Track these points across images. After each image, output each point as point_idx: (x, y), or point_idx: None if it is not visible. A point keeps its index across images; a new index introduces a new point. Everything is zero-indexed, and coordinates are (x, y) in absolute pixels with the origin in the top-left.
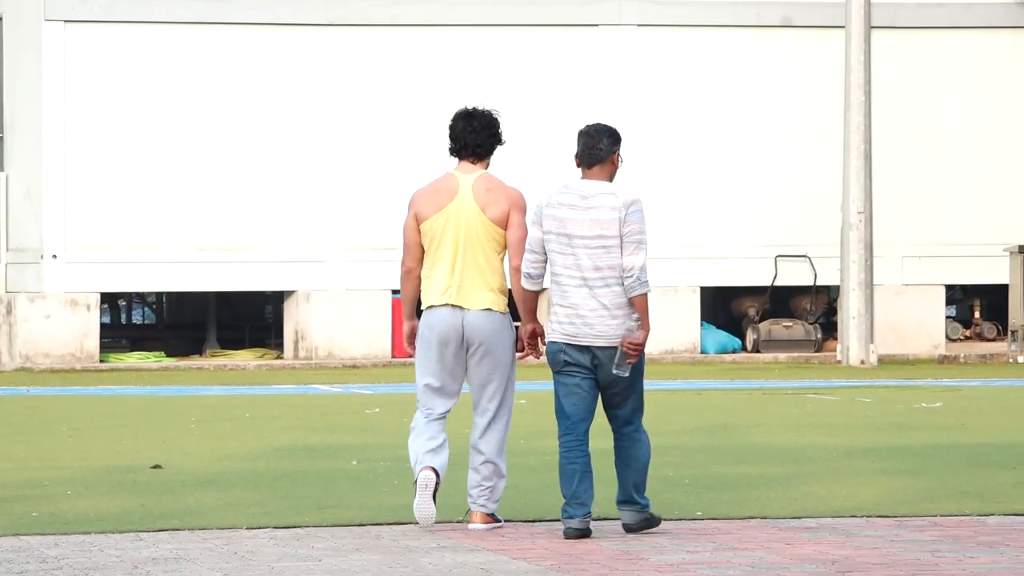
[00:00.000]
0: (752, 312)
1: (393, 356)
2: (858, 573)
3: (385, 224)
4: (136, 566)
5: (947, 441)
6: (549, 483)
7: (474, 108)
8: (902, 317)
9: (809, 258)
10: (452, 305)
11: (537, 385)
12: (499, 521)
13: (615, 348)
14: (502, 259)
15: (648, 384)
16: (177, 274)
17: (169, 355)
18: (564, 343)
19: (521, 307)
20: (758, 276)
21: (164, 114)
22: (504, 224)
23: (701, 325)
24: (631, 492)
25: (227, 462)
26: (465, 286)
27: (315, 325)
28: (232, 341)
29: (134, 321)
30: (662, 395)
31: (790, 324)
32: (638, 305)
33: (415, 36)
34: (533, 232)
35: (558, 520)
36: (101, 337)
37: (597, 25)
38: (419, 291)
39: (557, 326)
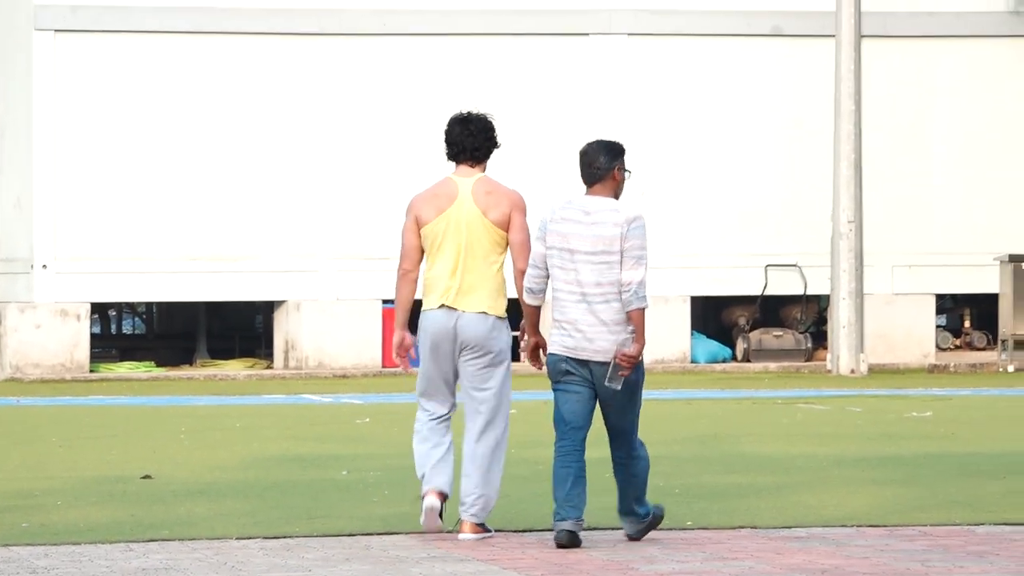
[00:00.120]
0: (742, 321)
1: (384, 366)
2: None
3: (375, 234)
4: None
5: (937, 451)
6: (540, 493)
7: (469, 112)
8: (892, 326)
9: (799, 267)
10: (448, 307)
11: (528, 395)
12: (489, 531)
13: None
14: (502, 261)
15: None
16: (167, 284)
17: (159, 365)
18: (564, 355)
19: (525, 318)
20: (748, 285)
21: (155, 124)
22: (506, 226)
23: (692, 335)
24: (631, 505)
25: (217, 472)
26: (464, 289)
27: (305, 335)
28: (222, 351)
29: (124, 331)
30: (652, 405)
31: (780, 333)
32: (635, 319)
33: (406, 45)
34: (536, 248)
35: (549, 530)
36: (91, 347)
37: (588, 34)
38: (413, 296)
39: (557, 339)
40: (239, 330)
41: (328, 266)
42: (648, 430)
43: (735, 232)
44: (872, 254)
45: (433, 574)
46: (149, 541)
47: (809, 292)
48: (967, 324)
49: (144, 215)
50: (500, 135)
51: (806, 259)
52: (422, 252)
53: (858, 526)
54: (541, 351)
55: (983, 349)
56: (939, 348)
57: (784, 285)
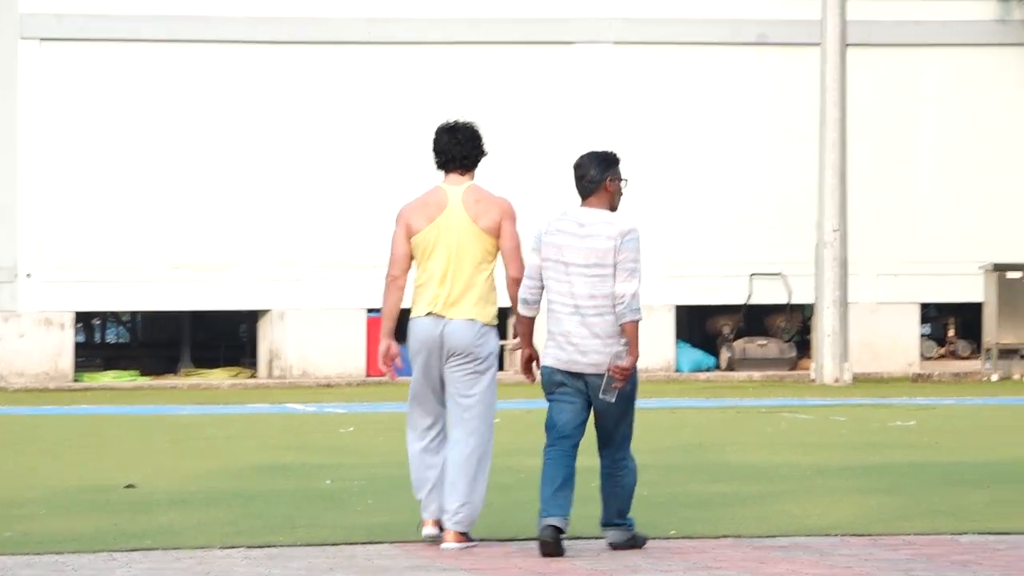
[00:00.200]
0: (727, 330)
1: (368, 375)
2: None
3: (359, 243)
4: None
5: (921, 460)
6: (524, 501)
7: (456, 121)
8: (877, 335)
9: (784, 276)
10: (435, 315)
11: (513, 404)
12: (472, 541)
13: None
14: (492, 269)
15: None
16: (152, 293)
17: (143, 374)
18: (557, 368)
19: (519, 328)
20: (733, 294)
21: (140, 133)
22: (496, 234)
23: (676, 343)
24: (614, 517)
25: (201, 481)
26: (453, 296)
27: (289, 344)
28: (206, 360)
29: (108, 340)
30: (637, 414)
31: (765, 342)
32: (628, 332)
33: (392, 54)
34: (532, 259)
35: (533, 539)
36: (75, 356)
37: (574, 43)
38: (400, 304)
39: (552, 351)
40: (223, 339)
41: (312, 275)
42: (633, 439)
43: (720, 241)
44: (857, 263)
45: None
46: (132, 550)
47: (793, 301)
48: (951, 333)
49: (129, 224)
50: (487, 143)
51: (791, 268)
52: (411, 260)
53: (842, 535)
54: (534, 364)
55: (967, 358)
56: (923, 357)
57: (768, 294)
